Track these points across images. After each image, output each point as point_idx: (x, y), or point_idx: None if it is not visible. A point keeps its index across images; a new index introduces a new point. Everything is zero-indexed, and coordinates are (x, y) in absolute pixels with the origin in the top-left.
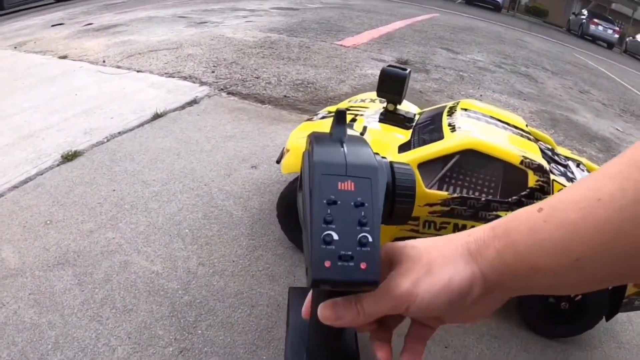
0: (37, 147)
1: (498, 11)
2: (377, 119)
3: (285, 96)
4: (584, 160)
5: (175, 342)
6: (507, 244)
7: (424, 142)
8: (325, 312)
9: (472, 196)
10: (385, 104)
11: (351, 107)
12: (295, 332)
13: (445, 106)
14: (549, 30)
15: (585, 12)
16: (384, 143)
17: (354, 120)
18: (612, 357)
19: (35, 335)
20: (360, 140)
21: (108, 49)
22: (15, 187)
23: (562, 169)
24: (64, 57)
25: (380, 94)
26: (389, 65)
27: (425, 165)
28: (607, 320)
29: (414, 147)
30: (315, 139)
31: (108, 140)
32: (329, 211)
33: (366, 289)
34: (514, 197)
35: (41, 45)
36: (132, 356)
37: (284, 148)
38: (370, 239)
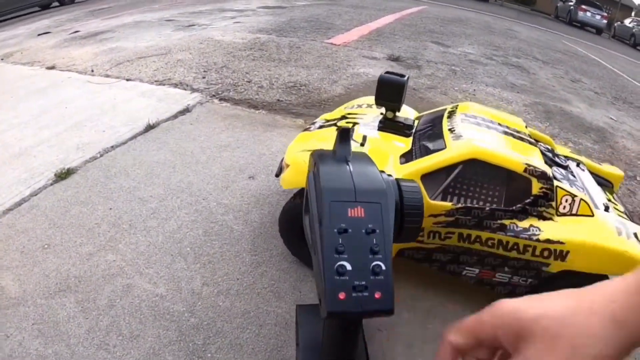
0: (29, 165)
1: (486, 0)
2: (376, 127)
3: (278, 100)
4: (582, 158)
5: None
6: None
7: (425, 151)
8: None
9: (477, 206)
10: (383, 111)
11: (348, 114)
12: (306, 351)
13: (444, 110)
14: (537, 18)
15: None
16: (385, 152)
17: (352, 129)
18: None
19: None
20: (365, 158)
21: (96, 57)
22: (9, 209)
23: (563, 171)
24: (52, 68)
25: (378, 102)
26: (387, 72)
27: (429, 176)
28: None
29: (416, 157)
30: (320, 158)
31: (101, 155)
32: (340, 240)
33: (382, 316)
34: (519, 205)
35: (28, 55)
36: None
37: (281, 161)
38: (383, 267)
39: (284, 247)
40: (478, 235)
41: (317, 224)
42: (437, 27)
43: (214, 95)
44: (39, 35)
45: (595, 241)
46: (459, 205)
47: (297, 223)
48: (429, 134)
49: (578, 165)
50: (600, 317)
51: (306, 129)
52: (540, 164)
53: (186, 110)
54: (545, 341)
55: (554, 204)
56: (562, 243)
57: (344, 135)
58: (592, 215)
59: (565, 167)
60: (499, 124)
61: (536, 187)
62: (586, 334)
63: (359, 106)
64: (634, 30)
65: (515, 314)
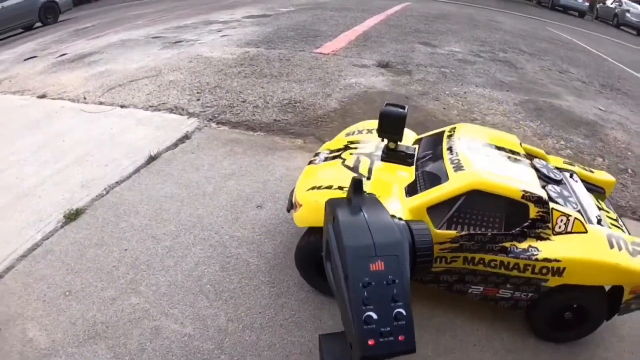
0: (35, 207)
1: None
2: (380, 158)
3: (275, 120)
4: (576, 169)
5: None
6: None
7: (429, 183)
8: None
9: (479, 232)
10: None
11: (350, 142)
12: None
13: (442, 133)
14: (520, 6)
15: None
16: (389, 183)
17: (357, 161)
18: (613, 350)
19: None
20: (376, 204)
21: (87, 83)
22: (23, 256)
23: (558, 188)
24: (43, 96)
25: (381, 134)
26: (387, 104)
27: (434, 208)
28: (607, 320)
29: (420, 189)
30: (337, 210)
31: (107, 192)
32: (365, 294)
33: (406, 354)
34: (518, 229)
35: (17, 84)
36: None
37: (291, 194)
38: (404, 313)
39: (300, 278)
40: (482, 258)
41: (343, 277)
42: (422, 25)
43: (211, 119)
44: (25, 60)
45: (589, 256)
46: (463, 232)
47: (313, 261)
48: (430, 164)
49: (571, 176)
50: None
51: (311, 162)
52: (536, 189)
53: (185, 138)
54: None
55: (550, 225)
56: (558, 261)
57: (358, 186)
58: (586, 232)
59: (559, 182)
60: (496, 147)
61: (533, 211)
62: None
63: (359, 132)
64: (616, 11)
65: None
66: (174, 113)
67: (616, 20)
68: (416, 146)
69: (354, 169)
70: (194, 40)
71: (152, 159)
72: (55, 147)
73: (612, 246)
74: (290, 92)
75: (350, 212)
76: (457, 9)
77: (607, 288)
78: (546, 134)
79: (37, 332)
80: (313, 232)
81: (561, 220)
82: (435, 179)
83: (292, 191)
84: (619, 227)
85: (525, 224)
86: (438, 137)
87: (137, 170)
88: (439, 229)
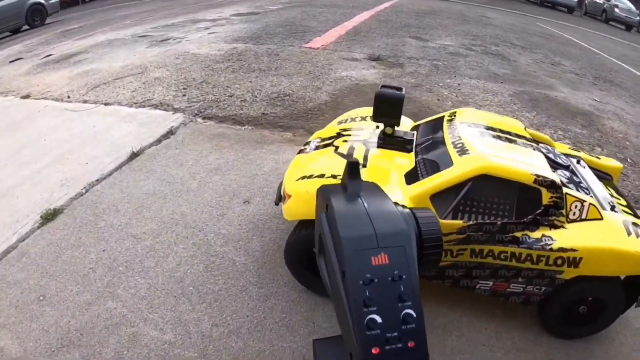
0: (13, 207)
1: None
2: (376, 144)
3: (263, 113)
4: (581, 154)
5: None
6: None
7: (431, 169)
8: None
9: (488, 221)
10: (377, 123)
11: (343, 130)
12: None
13: (442, 118)
14: (510, 2)
15: None
16: (387, 170)
17: (352, 148)
18: (627, 345)
19: None
20: (377, 190)
21: (71, 82)
22: None
23: (567, 173)
24: (27, 97)
25: (377, 118)
26: (383, 86)
27: (438, 195)
28: (622, 313)
29: (422, 175)
30: (331, 197)
31: (87, 191)
32: (367, 293)
33: None
34: (530, 217)
35: (1, 85)
36: None
37: (279, 187)
38: (414, 315)
39: (291, 277)
40: (490, 250)
41: (339, 275)
42: (413, 20)
43: (196, 114)
44: (10, 62)
45: (607, 245)
46: (470, 222)
47: (304, 256)
48: (431, 149)
49: (579, 162)
50: None
51: (301, 151)
52: (548, 172)
53: (170, 133)
54: None
55: (564, 211)
56: (575, 250)
57: (354, 169)
58: (602, 219)
59: (567, 167)
60: (501, 131)
61: (546, 197)
62: None
63: (353, 119)
64: (605, 6)
65: None
66: (159, 109)
67: (605, 16)
68: (415, 132)
69: (348, 156)
70: (181, 38)
71: (134, 155)
72: (36, 146)
73: (629, 233)
74: (279, 86)
75: (346, 199)
76: (447, 5)
77: (622, 278)
78: (543, 124)
79: (9, 341)
80: (304, 226)
81: (575, 207)
82: (437, 165)
83: (281, 183)
84: (631, 214)
85: (538, 211)
86: (438, 122)
87: (119, 167)
88: (444, 218)
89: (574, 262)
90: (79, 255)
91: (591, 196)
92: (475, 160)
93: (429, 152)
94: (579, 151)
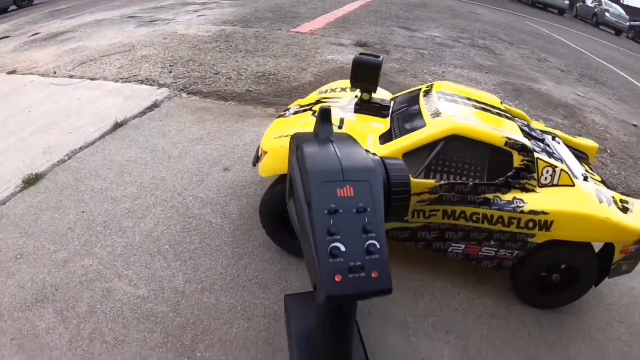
0: None
1: None
2: (353, 110)
3: (248, 90)
4: (557, 132)
5: None
6: None
7: (405, 130)
8: None
9: (460, 181)
10: (357, 93)
11: (323, 98)
12: (299, 341)
13: (419, 89)
14: (500, 0)
15: None
16: (363, 134)
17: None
18: (601, 319)
19: None
20: (348, 138)
21: (58, 59)
22: None
23: (541, 144)
24: (13, 72)
25: (354, 83)
26: (361, 54)
27: (410, 155)
28: (595, 286)
29: (395, 136)
30: (302, 141)
31: (69, 158)
32: (331, 221)
33: (380, 296)
34: (501, 179)
35: None
36: None
37: (258, 149)
38: (377, 246)
39: (266, 238)
40: (462, 211)
41: (306, 207)
42: (402, 12)
43: (181, 89)
44: None
45: (578, 209)
46: (442, 182)
47: (278, 212)
48: (407, 114)
49: (554, 138)
50: None
51: (281, 115)
52: (519, 137)
53: (154, 106)
54: None
55: (535, 175)
56: (546, 213)
57: (325, 115)
58: (573, 185)
59: (542, 140)
60: (476, 101)
61: (517, 159)
62: None
63: (333, 90)
64: (595, 10)
65: None
66: (145, 84)
67: (595, 20)
68: (391, 101)
69: None
70: (170, 20)
71: (118, 125)
72: (21, 118)
73: (601, 201)
74: (265, 66)
75: (317, 142)
76: (437, 0)
77: (597, 249)
78: (525, 113)
79: None
80: (279, 183)
81: (547, 172)
82: (411, 128)
83: (259, 147)
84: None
85: (509, 174)
86: (414, 93)
87: (102, 136)
88: (416, 177)
89: (545, 225)
90: (58, 217)
91: (564, 164)
92: (447, 122)
93: (404, 117)
94: (555, 130)
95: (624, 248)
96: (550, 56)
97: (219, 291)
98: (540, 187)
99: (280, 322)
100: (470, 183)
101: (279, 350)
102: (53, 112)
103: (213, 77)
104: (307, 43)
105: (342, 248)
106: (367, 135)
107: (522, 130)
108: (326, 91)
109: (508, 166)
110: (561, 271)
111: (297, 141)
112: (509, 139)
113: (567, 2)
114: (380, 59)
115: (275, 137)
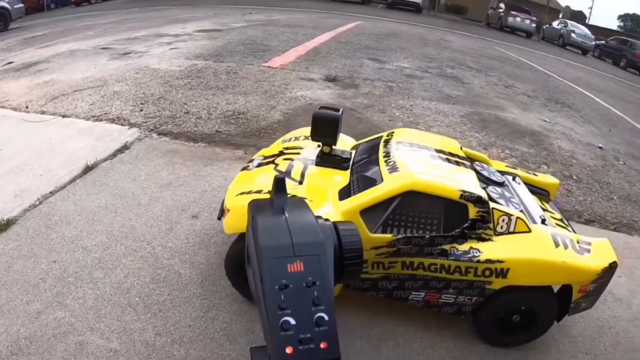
0: None
1: (419, 12)
2: (314, 162)
3: (217, 131)
4: (518, 171)
5: None
6: None
7: (363, 185)
8: None
9: (416, 235)
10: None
11: (286, 148)
12: None
13: (380, 138)
14: (470, 27)
15: (502, 5)
16: (324, 188)
17: (290, 166)
18: (566, 352)
19: None
20: (301, 205)
21: (31, 92)
22: None
23: (499, 190)
24: None
25: (314, 138)
26: (321, 107)
27: (368, 211)
28: (557, 321)
29: (354, 192)
30: (257, 211)
31: (40, 203)
32: (282, 297)
33: None
34: (457, 230)
35: None
36: None
37: (222, 203)
38: (326, 318)
39: (233, 289)
40: (421, 262)
41: (259, 281)
42: (373, 42)
43: (152, 130)
44: None
45: (534, 255)
46: (400, 236)
47: (242, 268)
48: (366, 167)
49: (514, 178)
50: None
51: (245, 168)
52: (475, 188)
53: (125, 148)
54: None
55: (491, 225)
56: (501, 262)
57: (280, 185)
58: (530, 231)
59: (501, 184)
60: (435, 150)
61: (473, 211)
62: None
63: (296, 138)
64: (562, 32)
65: None
66: (116, 123)
67: (562, 41)
68: (352, 151)
69: (287, 173)
70: (143, 52)
71: (88, 168)
72: None
73: (557, 245)
74: (235, 104)
75: (271, 212)
76: (407, 28)
77: (556, 289)
78: (491, 144)
79: None
80: (242, 239)
81: (503, 220)
82: (369, 182)
83: (224, 199)
84: (564, 227)
85: (465, 225)
86: (375, 142)
87: (73, 180)
88: (374, 232)
89: (502, 273)
90: (30, 266)
91: (521, 211)
92: (402, 177)
93: (363, 170)
94: (516, 169)
95: (582, 288)
96: (518, 82)
97: (188, 344)
98: (496, 235)
99: None
100: (427, 236)
101: None
102: (24, 151)
103: (183, 117)
104: (277, 79)
105: (292, 322)
106: (329, 190)
107: (480, 175)
108: (290, 139)
109: (464, 218)
110: (521, 312)
111: (253, 211)
112: (464, 192)
113: (534, 25)
114: (340, 112)
115: (238, 193)
